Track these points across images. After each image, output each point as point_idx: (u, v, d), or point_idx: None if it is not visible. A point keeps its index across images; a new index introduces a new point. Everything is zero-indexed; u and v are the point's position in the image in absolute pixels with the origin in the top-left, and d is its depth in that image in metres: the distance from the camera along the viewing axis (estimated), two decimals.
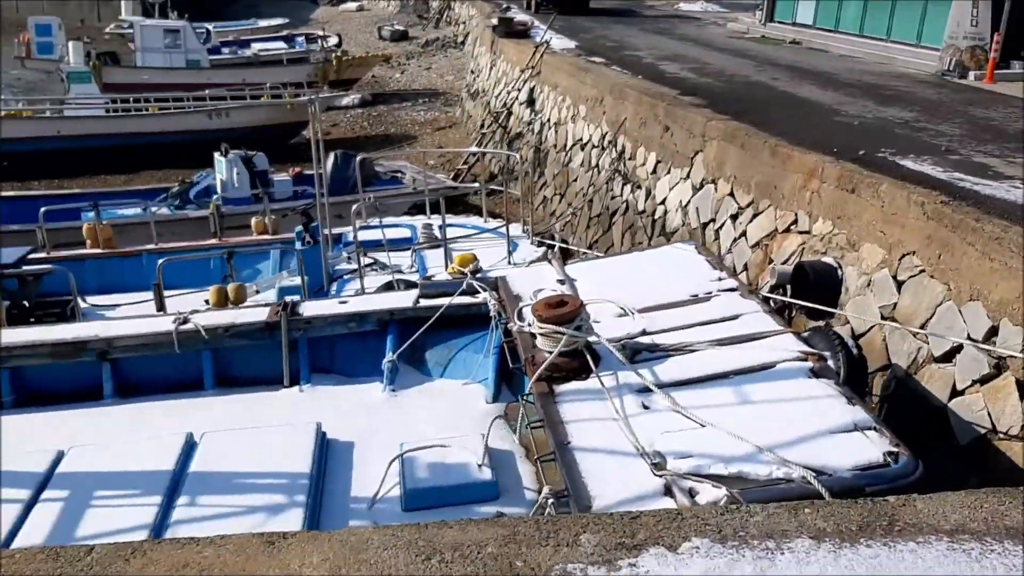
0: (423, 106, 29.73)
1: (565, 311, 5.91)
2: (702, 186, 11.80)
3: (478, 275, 7.90)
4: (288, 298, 9.16)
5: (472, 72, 26.83)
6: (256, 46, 39.66)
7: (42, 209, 12.40)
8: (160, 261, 9.01)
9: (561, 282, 7.45)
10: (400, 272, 10.16)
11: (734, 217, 10.90)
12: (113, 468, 6.03)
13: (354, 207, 9.64)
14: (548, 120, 18.26)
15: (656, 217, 12.88)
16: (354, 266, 10.41)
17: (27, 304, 10.43)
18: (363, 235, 11.82)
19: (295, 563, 2.65)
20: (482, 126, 21.00)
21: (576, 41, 21.47)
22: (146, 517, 5.45)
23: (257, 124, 25.03)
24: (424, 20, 49.64)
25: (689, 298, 6.87)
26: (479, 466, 5.99)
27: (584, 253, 10.86)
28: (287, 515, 5.47)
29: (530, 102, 19.41)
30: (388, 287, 8.74)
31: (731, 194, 11.06)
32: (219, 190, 16.81)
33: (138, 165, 22.79)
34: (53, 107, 23.68)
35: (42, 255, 11.81)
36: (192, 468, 5.99)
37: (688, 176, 12.20)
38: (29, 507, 5.58)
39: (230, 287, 8.66)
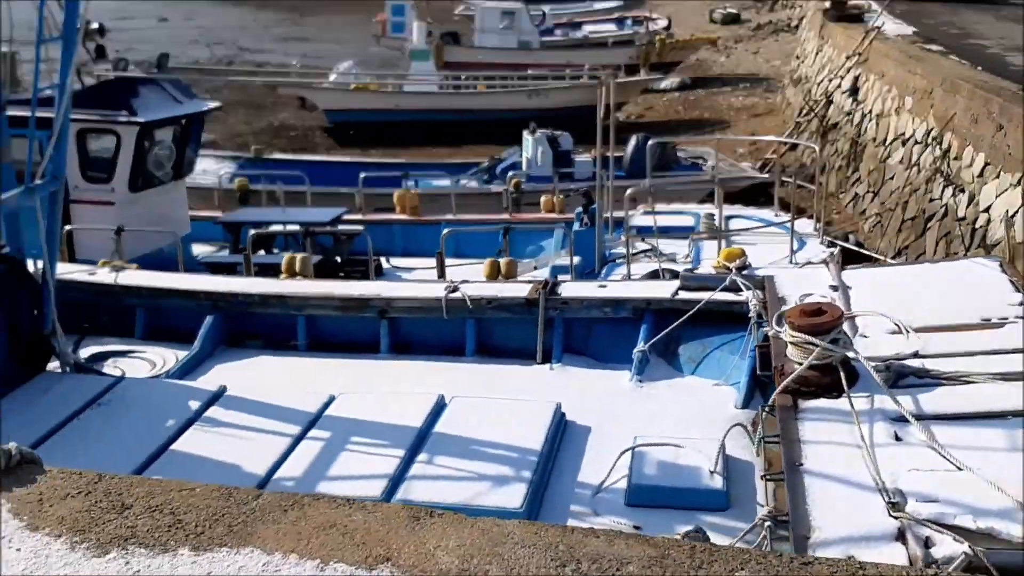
0: (743, 91, 28.80)
1: (821, 320, 5.43)
2: None
3: (744, 271, 7.50)
4: (552, 277, 9.36)
5: (797, 57, 25.50)
6: (587, 28, 40.50)
7: (362, 175, 13.64)
8: (444, 232, 9.55)
9: (834, 288, 6.88)
10: (673, 261, 9.95)
11: None
12: (372, 418, 6.50)
13: (628, 191, 9.53)
14: (870, 111, 16.88)
15: (977, 226, 11.47)
16: (632, 251, 10.36)
17: (339, 260, 11.56)
18: (645, 221, 11.76)
19: (432, 543, 2.67)
20: (800, 114, 19.90)
21: (914, 27, 19.61)
22: (387, 468, 5.82)
23: (572, 104, 25.58)
24: (760, 2, 47.89)
25: (979, 321, 6.03)
26: (711, 472, 5.72)
27: (881, 259, 9.92)
28: (510, 489, 5.57)
29: (853, 91, 18.06)
30: (653, 275, 8.58)
31: None
32: (524, 167, 17.52)
33: (463, 139, 24.33)
34: (394, 82, 25.89)
35: (357, 216, 13.02)
36: (436, 428, 6.30)
37: (1019, 183, 10.71)
38: (294, 444, 6.18)
39: (503, 261, 9.00)
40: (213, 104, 11.82)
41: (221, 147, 21.97)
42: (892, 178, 14.80)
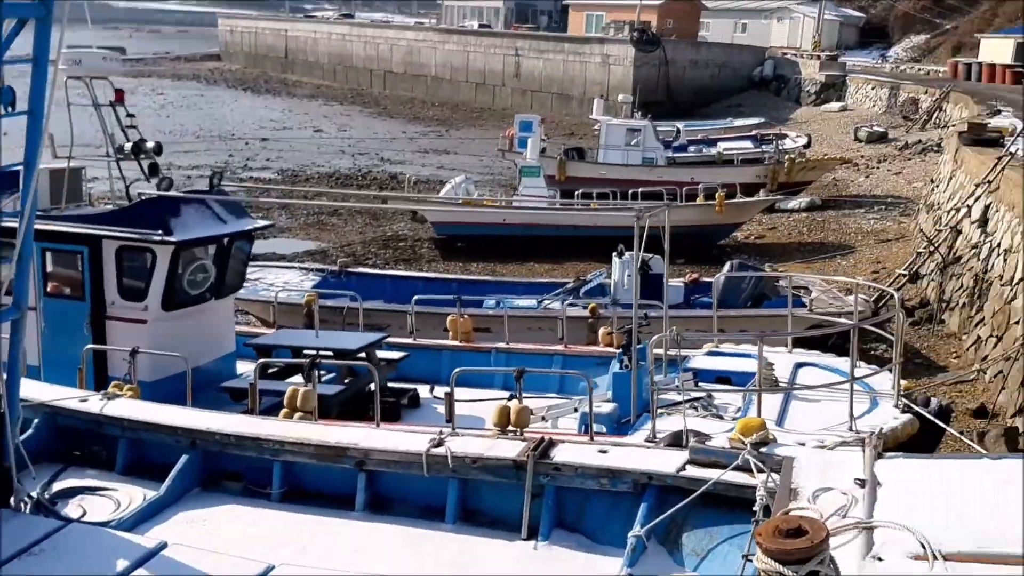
0: (876, 214, 26.98)
1: (797, 545, 4.24)
2: None
3: (763, 448, 6.29)
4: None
5: (932, 181, 23.68)
6: (722, 145, 39.64)
7: (414, 297, 13.09)
8: (455, 371, 8.74)
9: (860, 483, 5.58)
10: (720, 417, 8.73)
11: None
12: None
13: (654, 337, 8.46)
14: (998, 245, 15.09)
15: None
16: (680, 398, 9.22)
17: (370, 389, 10.91)
18: (707, 363, 10.59)
19: None
20: (924, 245, 18.16)
21: None
22: None
23: (685, 223, 24.66)
24: (910, 121, 45.73)
25: None
26: None
27: (961, 439, 8.33)
28: None
29: (982, 222, 16.28)
30: (676, 439, 7.41)
31: None
32: (612, 291, 16.60)
33: (570, 256, 23.74)
34: (505, 198, 25.77)
35: (407, 340, 12.42)
36: None
37: None
38: None
39: (514, 408, 8.05)
40: (261, 223, 11.66)
41: (322, 258, 22.24)
42: (1018, 323, 12.97)
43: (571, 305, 16.35)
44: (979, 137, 19.70)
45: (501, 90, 62.72)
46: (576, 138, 46.46)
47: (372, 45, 71.97)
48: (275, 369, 10.93)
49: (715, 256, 23.57)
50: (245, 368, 11.72)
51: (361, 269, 18.76)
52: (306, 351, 10.74)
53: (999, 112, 28.45)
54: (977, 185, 16.69)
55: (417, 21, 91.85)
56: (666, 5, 66.35)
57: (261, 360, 10.04)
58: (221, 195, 11.10)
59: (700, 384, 9.63)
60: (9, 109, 6.21)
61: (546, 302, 16.70)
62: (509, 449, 6.98)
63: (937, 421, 7.97)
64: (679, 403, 8.90)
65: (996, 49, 52.49)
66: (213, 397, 10.24)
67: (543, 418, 9.91)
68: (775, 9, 73.24)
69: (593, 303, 14.76)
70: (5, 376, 6.69)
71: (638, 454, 6.82)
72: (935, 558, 4.63)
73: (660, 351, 9.87)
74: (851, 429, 7.83)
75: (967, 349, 14.63)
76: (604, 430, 8.90)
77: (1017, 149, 17.16)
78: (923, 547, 4.74)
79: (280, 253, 22.90)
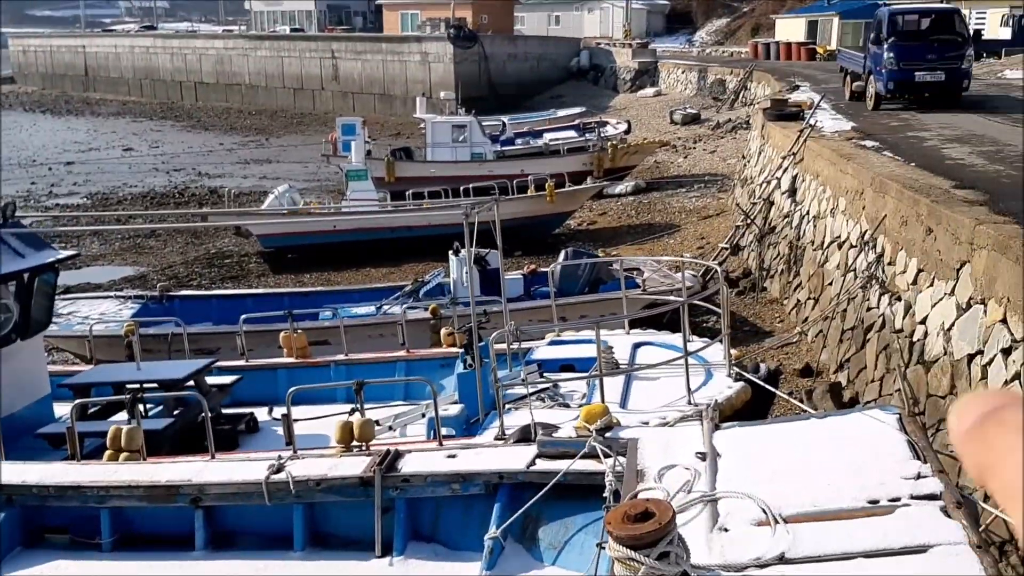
0: (696, 192, 28.15)
1: (645, 529, 4.23)
2: (969, 307, 9.23)
3: (607, 433, 6.32)
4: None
5: (743, 157, 24.92)
6: (548, 136, 40.26)
7: (243, 316, 12.51)
8: (290, 391, 8.36)
9: (701, 456, 5.69)
10: (567, 406, 8.76)
11: (1006, 352, 8.30)
12: None
13: (494, 334, 8.40)
14: (807, 213, 16.00)
15: (915, 339, 10.37)
16: (526, 392, 9.19)
17: (202, 419, 10.32)
18: (554, 353, 10.64)
19: None
20: (742, 218, 19.05)
21: (853, 122, 18.95)
22: None
23: (518, 216, 24.91)
24: (719, 102, 48.04)
25: (864, 505, 4.83)
26: None
27: (790, 400, 8.73)
28: None
29: (791, 192, 17.24)
30: (525, 433, 7.35)
31: (1003, 321, 8.46)
32: (452, 290, 16.48)
33: (404, 258, 23.43)
34: (333, 204, 25.17)
35: (240, 363, 11.85)
36: None
37: (953, 292, 9.66)
38: None
39: (355, 422, 7.77)
40: (64, 253, 10.78)
41: (142, 283, 21.00)
42: (831, 284, 13.79)
43: (411, 308, 16.13)
44: (781, 112, 20.82)
45: (320, 94, 61.47)
46: (403, 138, 46.06)
47: (179, 56, 68.83)
48: (96, 408, 10.15)
49: (551, 246, 23.87)
50: (63, 411, 10.84)
51: (184, 292, 17.81)
52: (128, 385, 10.04)
53: (798, 87, 30.24)
54: (783, 158, 17.64)
55: (225, 29, 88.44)
56: (479, 1, 66.94)
57: (78, 400, 9.28)
58: (17, 227, 10.17)
59: (544, 375, 9.64)
60: None
61: (385, 307, 16.39)
62: (354, 466, 6.72)
63: (766, 386, 8.31)
64: (525, 396, 8.88)
65: (790, 28, 56.08)
66: (30, 445, 9.39)
67: (390, 427, 9.66)
68: (585, 0, 75.32)
69: (434, 304, 14.56)
70: None
71: (488, 454, 6.72)
72: (777, 522, 4.75)
73: (502, 346, 9.85)
74: (689, 403, 8.03)
75: (789, 313, 15.45)
76: (454, 433, 8.74)
77: (820, 121, 18.25)
78: (765, 513, 4.86)
79: (95, 283, 21.41)
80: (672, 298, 10.50)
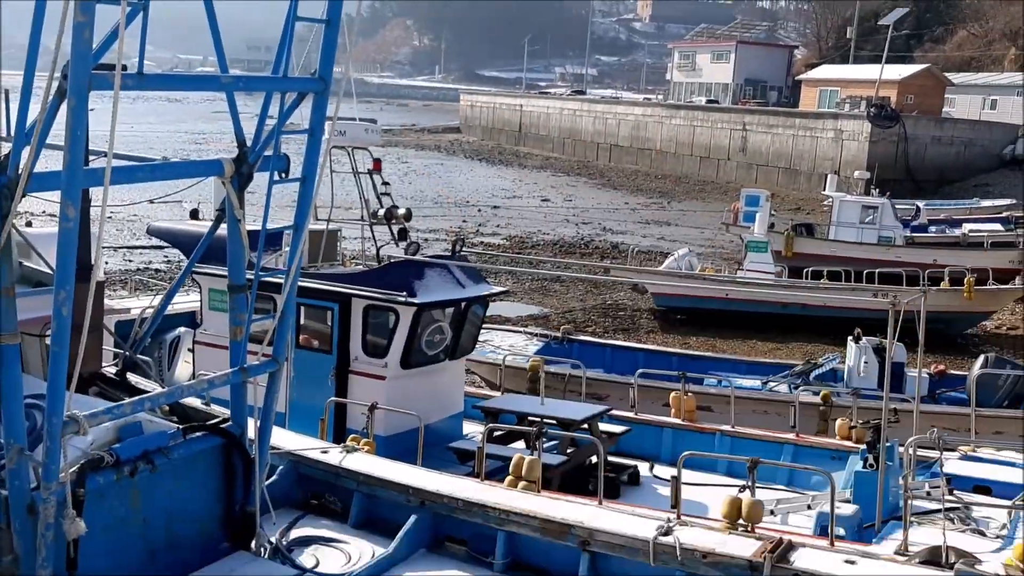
0: None
1: None
2: None
3: None
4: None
5: None
6: (968, 226, 36.89)
7: (639, 370, 12.86)
8: (683, 454, 8.38)
9: None
10: (982, 534, 7.82)
11: None
12: None
13: (909, 439, 7.71)
14: None
15: None
16: (933, 506, 8.41)
17: (592, 462, 10.76)
18: (967, 469, 9.61)
19: None
20: None
21: None
22: None
23: (929, 308, 22.92)
24: None
25: None
26: None
27: None
28: None
29: None
30: (934, 555, 6.66)
31: None
32: (846, 377, 15.62)
33: (795, 336, 22.72)
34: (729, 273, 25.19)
35: (629, 414, 12.20)
36: None
37: None
38: None
39: (745, 500, 7.58)
40: (497, 289, 11.93)
41: (545, 322, 22.55)
42: None
43: (802, 390, 15.52)
44: None
45: (726, 164, 61.95)
46: (803, 213, 44.83)
47: (601, 120, 73.48)
48: (500, 433, 11.05)
49: (961, 347, 21.72)
50: (470, 428, 11.97)
51: (582, 337, 18.80)
52: (531, 418, 10.80)
53: None
54: None
55: (645, 97, 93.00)
56: (907, 81, 63.30)
57: (489, 425, 10.16)
58: (462, 261, 11.49)
59: (956, 492, 8.72)
60: (283, 175, 6.73)
61: (772, 384, 15.97)
62: (743, 547, 6.56)
63: None
64: (932, 511, 8.10)
65: None
66: (440, 455, 10.47)
67: (772, 512, 9.33)
68: None
69: (826, 390, 13.90)
70: (259, 423, 7.14)
71: (890, 568, 6.20)
72: None
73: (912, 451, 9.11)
74: None
75: None
76: (844, 534, 8.21)
77: None
78: None
79: (505, 316, 23.45)
80: None
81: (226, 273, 6.80)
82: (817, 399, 13.64)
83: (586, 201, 51.33)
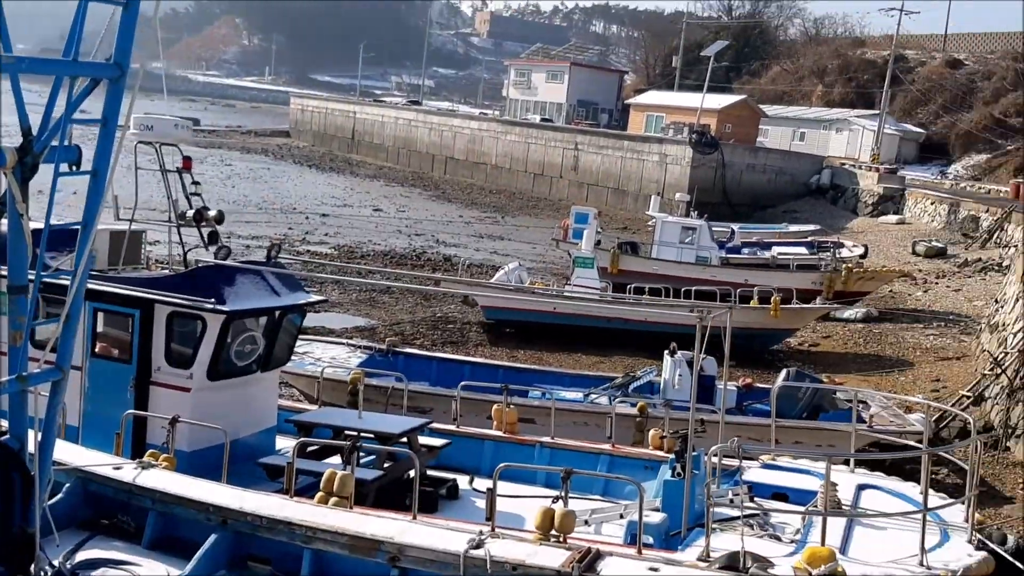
0: (934, 330, 26.24)
1: None
2: None
3: None
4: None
5: (996, 301, 22.99)
6: (777, 249, 39.34)
7: (461, 383, 12.81)
8: (499, 467, 8.35)
9: None
10: (778, 539, 8.19)
11: None
12: None
13: (713, 447, 8.01)
14: None
15: None
16: (735, 513, 8.72)
17: (409, 476, 10.57)
18: (766, 477, 10.09)
19: None
20: (990, 367, 17.45)
21: None
22: None
23: (738, 325, 24.22)
24: (969, 239, 45.01)
25: None
26: None
27: None
28: None
29: None
30: (732, 560, 6.90)
31: None
32: (662, 389, 16.16)
33: (619, 350, 23.35)
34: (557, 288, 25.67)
35: (450, 427, 12.10)
36: None
37: None
38: None
39: (558, 511, 7.62)
40: (315, 298, 11.54)
41: (371, 335, 22.15)
42: None
43: (620, 402, 15.94)
44: None
45: (558, 181, 63.44)
46: (629, 232, 46.47)
47: (436, 131, 73.59)
48: (313, 448, 10.66)
49: (768, 362, 22.99)
50: (284, 443, 11.48)
51: (409, 349, 18.58)
52: (347, 432, 10.48)
53: None
54: None
55: (481, 112, 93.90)
56: (726, 110, 67.09)
57: (301, 439, 9.77)
58: (278, 267, 11.03)
59: (756, 499, 9.12)
60: (73, 168, 6.20)
61: (593, 396, 16.31)
62: (552, 558, 6.58)
63: (1015, 561, 7.39)
64: (733, 519, 8.41)
65: None
66: (249, 471, 9.97)
67: (586, 522, 9.44)
68: (834, 120, 73.60)
69: (642, 401, 14.31)
70: (39, 437, 6.52)
71: (692, 575, 6.36)
72: None
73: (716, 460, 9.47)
74: (922, 564, 7.27)
75: None
76: (652, 542, 8.40)
77: None
78: None
79: (329, 327, 22.87)
80: (913, 444, 9.67)
81: (5, 273, 6.19)
82: (634, 411, 14.01)
83: (420, 212, 51.17)
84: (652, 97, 78.16)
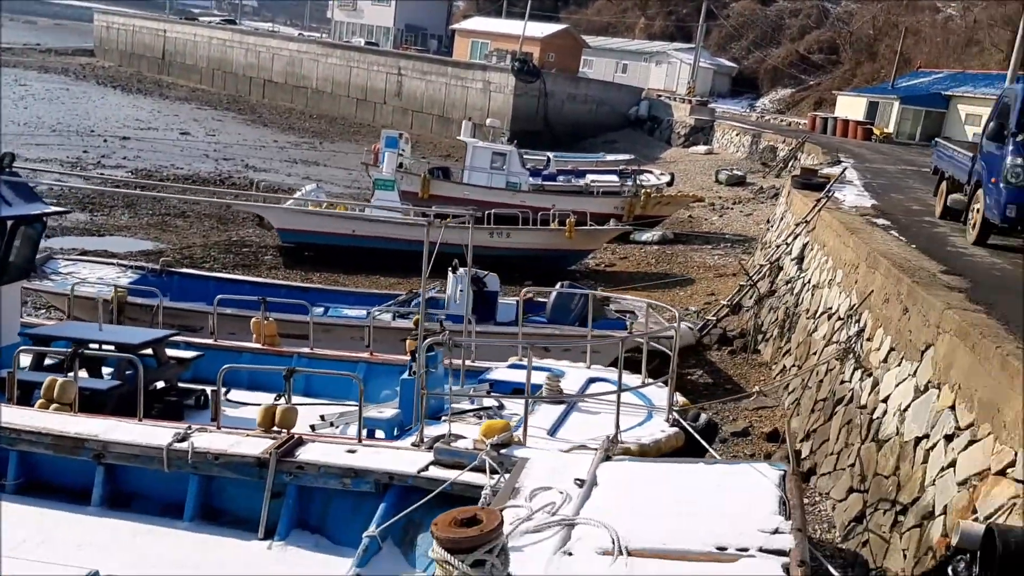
0: (720, 251, 27.96)
1: (465, 535, 4.19)
2: (925, 389, 9.03)
3: (503, 450, 6.27)
4: (291, 433, 8.10)
5: (768, 222, 24.74)
6: (590, 177, 40.44)
7: (217, 297, 12.69)
8: (223, 368, 8.42)
9: (580, 483, 5.62)
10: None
11: (948, 438, 8.09)
12: None
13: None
14: (808, 281, 15.82)
15: (875, 416, 10.15)
16: (472, 407, 9.19)
17: (159, 386, 10.47)
18: (507, 375, 10.64)
19: None
20: (748, 278, 18.87)
21: (877, 200, 18.74)
22: None
23: (535, 247, 25.06)
24: (767, 168, 47.86)
25: (710, 550, 4.73)
26: None
27: (711, 452, 8.52)
28: None
29: (799, 259, 17.06)
30: (435, 442, 7.30)
31: (952, 407, 8.26)
32: (445, 304, 16.54)
33: (414, 270, 23.54)
34: (356, 208, 25.51)
35: (208, 341, 12.00)
36: None
37: (915, 374, 9.46)
38: None
39: (279, 408, 7.79)
40: (50, 209, 11.04)
41: (156, 258, 21.37)
42: (815, 353, 13.57)
43: (402, 317, 16.23)
44: (808, 181, 20.69)
45: (382, 108, 62.43)
46: (452, 160, 46.51)
47: (253, 52, 70.44)
48: (56, 362, 10.32)
49: (561, 280, 23.85)
50: (28, 361, 11.05)
51: (185, 270, 18.07)
52: (90, 344, 10.22)
53: (840, 162, 30.02)
54: (798, 225, 17.49)
55: (300, 32, 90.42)
56: (548, 39, 67.72)
57: (28, 348, 9.46)
58: (12, 177, 10.46)
59: (493, 394, 9.61)
60: None
61: (375, 313, 16.50)
62: (253, 446, 6.75)
63: (698, 436, 8.16)
64: (468, 411, 8.87)
65: (850, 106, 55.74)
66: None
67: (332, 424, 9.68)
68: (655, 53, 75.79)
69: (418, 315, 14.61)
70: None
71: (385, 455, 6.71)
72: (620, 554, 4.67)
73: (466, 363, 9.99)
74: (614, 440, 7.91)
75: (775, 377, 15.22)
76: (383, 435, 8.73)
77: (840, 193, 18.07)
78: (612, 543, 4.78)
79: (114, 251, 21.87)
80: (616, 333, 10.42)
81: None
82: (409, 323, 14.31)
83: (231, 137, 49.19)
84: (478, 23, 77.78)
